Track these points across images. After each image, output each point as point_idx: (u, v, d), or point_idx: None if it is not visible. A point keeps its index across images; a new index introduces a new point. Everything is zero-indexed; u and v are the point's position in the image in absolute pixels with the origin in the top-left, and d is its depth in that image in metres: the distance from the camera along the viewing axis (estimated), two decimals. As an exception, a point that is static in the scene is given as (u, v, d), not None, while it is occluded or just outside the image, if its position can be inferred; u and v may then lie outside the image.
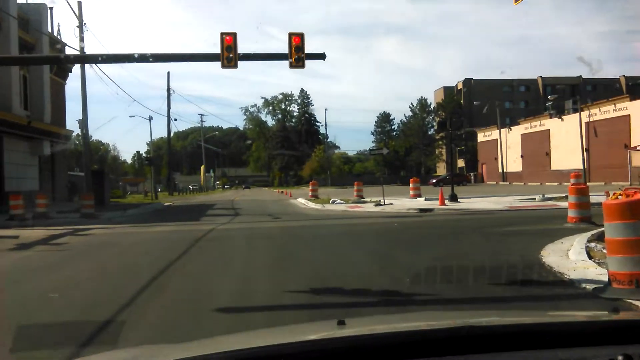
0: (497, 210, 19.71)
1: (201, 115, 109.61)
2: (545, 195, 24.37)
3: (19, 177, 28.13)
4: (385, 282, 7.27)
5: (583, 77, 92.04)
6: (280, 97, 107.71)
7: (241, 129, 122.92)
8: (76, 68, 33.44)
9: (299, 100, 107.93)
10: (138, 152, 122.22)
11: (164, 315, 5.76)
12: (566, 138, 52.54)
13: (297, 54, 20.25)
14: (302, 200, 30.93)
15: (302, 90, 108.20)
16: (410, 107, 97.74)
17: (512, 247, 10.37)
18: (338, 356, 1.66)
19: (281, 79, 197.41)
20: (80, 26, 28.86)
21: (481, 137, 75.13)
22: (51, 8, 33.39)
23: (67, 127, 36.69)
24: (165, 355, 1.68)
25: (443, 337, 1.81)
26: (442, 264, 8.37)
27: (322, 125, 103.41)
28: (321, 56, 21.25)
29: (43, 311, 6.06)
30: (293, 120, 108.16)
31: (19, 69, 28.65)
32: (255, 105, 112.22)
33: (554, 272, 7.52)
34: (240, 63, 20.35)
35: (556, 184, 47.13)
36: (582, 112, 49.38)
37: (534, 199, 23.74)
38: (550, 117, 58.25)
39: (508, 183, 61.57)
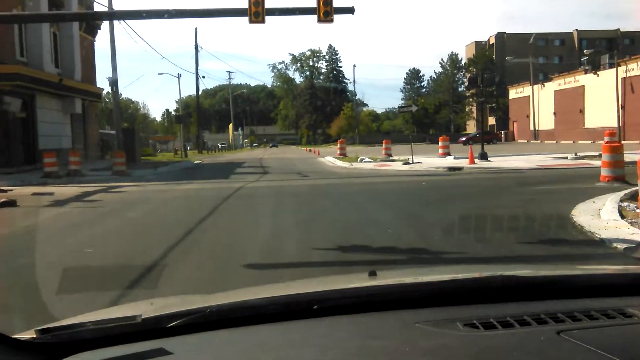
0: (528, 168, 19.44)
1: (229, 72, 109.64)
2: (578, 154, 23.92)
3: (52, 135, 28.62)
4: (414, 240, 7.28)
5: (621, 30, 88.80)
6: (308, 53, 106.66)
7: (269, 86, 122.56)
8: (105, 25, 33.45)
9: (327, 57, 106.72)
10: (167, 110, 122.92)
11: (196, 271, 5.91)
12: (601, 95, 51.09)
13: (325, 8, 19.90)
14: (330, 159, 30.95)
15: (330, 47, 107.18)
16: (440, 62, 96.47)
17: (542, 206, 10.27)
18: (373, 304, 1.69)
19: (309, 36, 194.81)
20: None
21: (513, 93, 73.54)
22: (79, -36, 33.34)
23: (98, 85, 37.01)
24: (203, 303, 1.73)
25: (479, 286, 1.82)
26: (471, 223, 8.38)
27: (350, 82, 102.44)
28: (350, 10, 20.84)
29: (80, 264, 6.26)
30: (321, 78, 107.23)
31: (49, 26, 28.80)
32: (283, 62, 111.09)
33: (585, 232, 7.44)
34: (267, 20, 20.22)
35: (589, 142, 46.10)
36: (618, 67, 47.83)
37: (566, 157, 23.32)
38: (585, 73, 56.54)
39: (540, 141, 60.47)
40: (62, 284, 5.12)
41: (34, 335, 1.46)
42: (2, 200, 12.34)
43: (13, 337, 1.44)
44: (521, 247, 6.67)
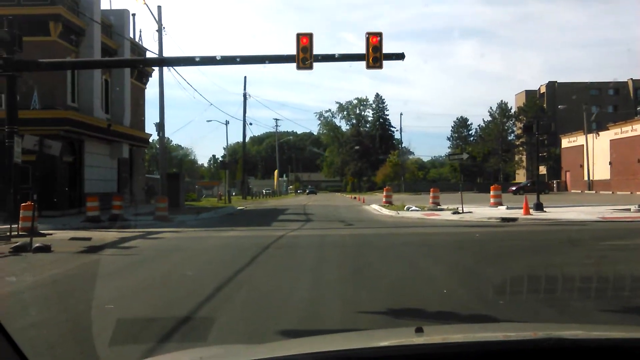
0: (589, 221, 18.16)
1: (276, 119, 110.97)
2: (642, 206, 22.35)
3: (98, 179, 28.81)
4: (472, 304, 6.45)
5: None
6: (355, 102, 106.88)
7: (315, 133, 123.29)
8: (156, 72, 34.02)
9: (373, 105, 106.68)
10: (214, 155, 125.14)
11: (226, 335, 5.17)
12: (661, 144, 48.84)
13: (375, 54, 19.50)
14: (375, 207, 30.06)
15: (377, 95, 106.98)
16: (489, 111, 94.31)
17: (613, 263, 9.22)
18: None
19: (356, 85, 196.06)
20: (160, 30, 29.39)
21: (565, 143, 71.41)
22: (134, 14, 34.30)
23: (147, 131, 37.47)
24: (248, 354, 1.80)
25: (528, 348, 1.76)
26: (535, 283, 7.36)
27: (396, 131, 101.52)
28: (400, 56, 20.40)
29: (94, 323, 5.59)
30: (367, 125, 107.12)
31: (101, 73, 29.39)
32: (330, 110, 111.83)
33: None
34: (315, 66, 19.87)
35: (650, 193, 43.80)
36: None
37: (629, 209, 21.81)
38: (644, 122, 54.39)
39: (594, 192, 58.03)
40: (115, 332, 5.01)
41: None
42: (37, 245, 11.99)
43: None
44: (593, 313, 5.86)
